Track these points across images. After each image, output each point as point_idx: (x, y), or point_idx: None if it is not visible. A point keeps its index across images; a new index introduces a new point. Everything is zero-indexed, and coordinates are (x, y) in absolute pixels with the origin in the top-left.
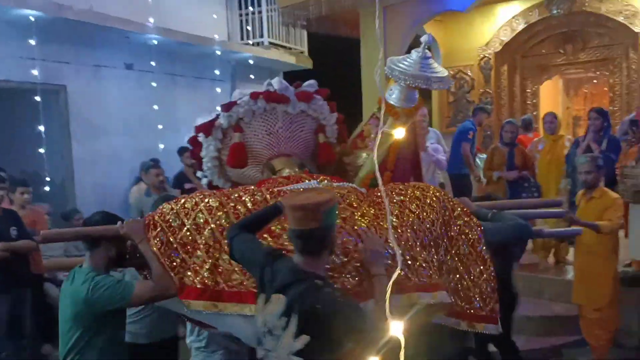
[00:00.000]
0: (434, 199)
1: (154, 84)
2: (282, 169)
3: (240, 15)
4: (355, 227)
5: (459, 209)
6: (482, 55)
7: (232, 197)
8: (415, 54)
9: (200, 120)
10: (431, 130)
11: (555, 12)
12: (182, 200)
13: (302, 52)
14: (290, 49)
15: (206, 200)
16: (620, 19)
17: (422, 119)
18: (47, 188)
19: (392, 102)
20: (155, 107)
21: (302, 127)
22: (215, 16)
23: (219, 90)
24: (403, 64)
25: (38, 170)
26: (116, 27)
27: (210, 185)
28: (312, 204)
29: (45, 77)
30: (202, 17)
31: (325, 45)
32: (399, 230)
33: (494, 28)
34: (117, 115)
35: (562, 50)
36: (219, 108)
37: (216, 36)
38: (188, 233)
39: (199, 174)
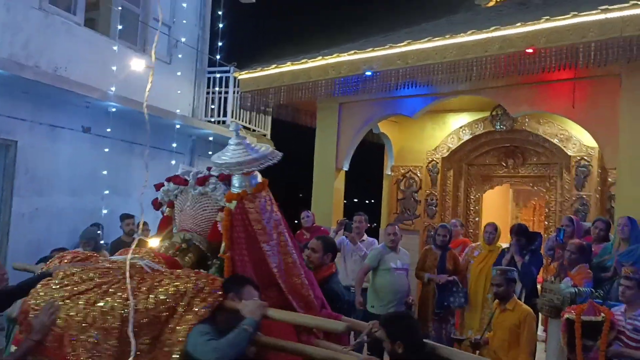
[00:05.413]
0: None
1: (106, 149)
2: (165, 241)
3: (208, 94)
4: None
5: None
6: (430, 159)
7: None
8: (230, 144)
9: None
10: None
11: (498, 127)
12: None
13: (264, 135)
14: (253, 130)
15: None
16: (555, 141)
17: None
18: None
19: (236, 191)
20: (105, 172)
21: (205, 207)
22: (179, 92)
23: (173, 162)
24: (226, 156)
25: None
26: (76, 91)
27: None
28: None
29: None
30: (167, 92)
31: (286, 130)
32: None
33: (443, 134)
34: (65, 175)
35: (504, 163)
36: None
37: (178, 110)
38: None
39: None
